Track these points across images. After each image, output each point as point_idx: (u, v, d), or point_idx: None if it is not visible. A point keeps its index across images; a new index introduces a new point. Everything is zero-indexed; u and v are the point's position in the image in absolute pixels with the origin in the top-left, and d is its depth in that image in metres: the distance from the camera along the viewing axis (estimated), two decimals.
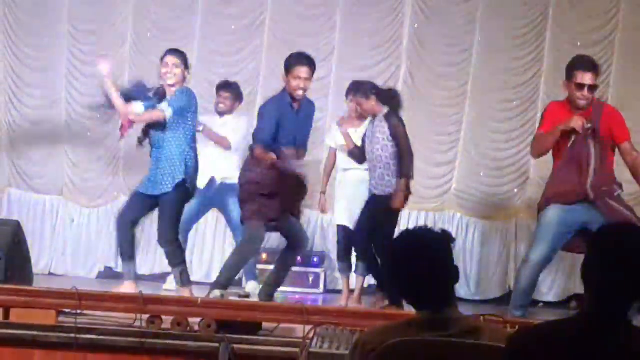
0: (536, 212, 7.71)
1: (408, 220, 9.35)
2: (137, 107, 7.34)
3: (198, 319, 6.28)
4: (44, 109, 10.31)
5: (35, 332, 6.14)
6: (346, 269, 8.25)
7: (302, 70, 7.26)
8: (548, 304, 9.57)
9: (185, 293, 7.52)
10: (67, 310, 6.38)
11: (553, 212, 6.85)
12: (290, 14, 9.88)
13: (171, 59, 7.38)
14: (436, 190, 9.92)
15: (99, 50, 9.36)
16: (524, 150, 9.65)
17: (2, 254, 6.86)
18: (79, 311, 6.36)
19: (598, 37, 9.55)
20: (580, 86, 6.77)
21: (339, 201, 8.29)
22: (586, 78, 6.82)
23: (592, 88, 6.84)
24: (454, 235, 3.66)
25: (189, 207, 7.82)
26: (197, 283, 9.06)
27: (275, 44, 9.88)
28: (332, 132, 8.24)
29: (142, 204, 7.52)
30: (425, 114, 9.60)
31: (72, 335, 6.08)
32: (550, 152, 7.01)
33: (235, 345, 6.02)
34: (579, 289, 8.71)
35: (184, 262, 7.70)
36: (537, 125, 8.25)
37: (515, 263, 9.66)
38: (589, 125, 6.69)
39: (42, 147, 10.02)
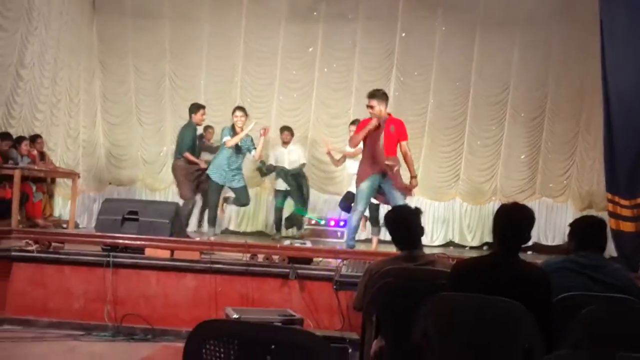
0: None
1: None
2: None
3: (277, 256, 7.37)
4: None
5: (187, 263, 7.19)
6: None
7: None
8: (471, 248, 11.76)
9: None
10: (205, 252, 7.41)
11: (365, 183, 7.88)
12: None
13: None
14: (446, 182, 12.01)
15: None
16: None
17: (169, 220, 7.88)
18: (212, 252, 7.44)
19: None
20: (367, 106, 7.89)
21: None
22: (369, 102, 7.82)
23: (372, 107, 7.75)
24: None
25: None
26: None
27: (318, 104, 12.01)
28: None
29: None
30: None
31: (208, 265, 7.12)
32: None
33: (299, 270, 7.02)
34: (489, 238, 10.44)
35: None
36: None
37: (454, 226, 11.81)
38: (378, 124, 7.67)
39: None
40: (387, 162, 7.90)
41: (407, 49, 12.12)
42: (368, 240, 10.18)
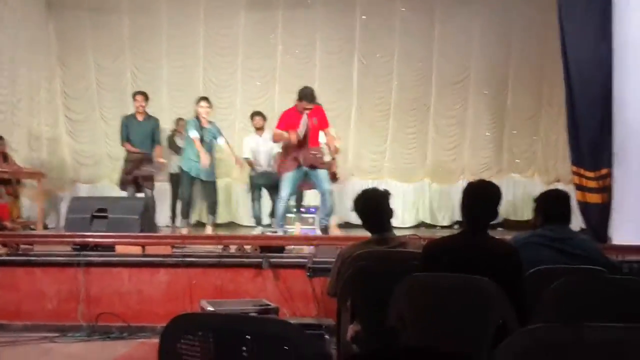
0: None
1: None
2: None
3: (249, 246, 7.38)
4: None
5: (159, 258, 7.15)
6: None
7: None
8: (442, 227, 11.98)
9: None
10: (177, 246, 7.47)
11: (291, 173, 8.43)
12: None
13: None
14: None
15: None
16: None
17: (138, 216, 7.85)
18: (184, 246, 7.51)
19: None
20: (304, 108, 8.32)
21: None
22: (308, 105, 8.29)
23: (309, 109, 8.30)
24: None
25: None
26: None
27: (282, 92, 12.00)
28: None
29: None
30: None
31: (180, 259, 7.09)
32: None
33: (271, 259, 7.03)
34: (459, 217, 9.73)
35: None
36: None
37: (424, 207, 12.06)
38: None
39: None
40: (311, 152, 8.36)
41: (368, 33, 12.18)
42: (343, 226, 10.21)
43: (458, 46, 12.07)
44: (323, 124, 8.60)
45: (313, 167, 8.41)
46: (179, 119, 11.26)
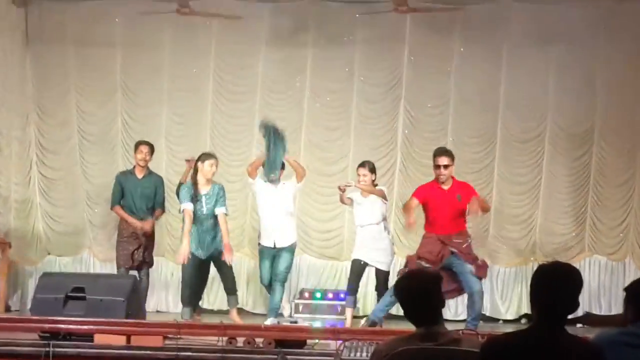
0: None
1: None
2: None
3: (261, 339, 7.58)
4: None
5: (148, 352, 7.42)
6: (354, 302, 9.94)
7: None
8: (506, 321, 11.79)
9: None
10: (170, 336, 7.74)
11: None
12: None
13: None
14: None
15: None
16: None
17: (124, 298, 8.13)
18: (179, 336, 7.73)
19: None
20: (438, 166, 8.75)
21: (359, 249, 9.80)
22: (441, 160, 8.77)
23: (446, 167, 8.74)
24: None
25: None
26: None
27: (309, 147, 12.26)
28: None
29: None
30: None
31: (174, 353, 7.39)
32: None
33: (288, 357, 7.22)
34: (528, 309, 10.63)
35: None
36: None
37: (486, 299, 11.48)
38: None
39: None
40: (454, 240, 8.58)
41: (418, 77, 12.25)
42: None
43: (530, 96, 12.05)
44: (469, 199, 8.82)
45: (457, 257, 8.57)
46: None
